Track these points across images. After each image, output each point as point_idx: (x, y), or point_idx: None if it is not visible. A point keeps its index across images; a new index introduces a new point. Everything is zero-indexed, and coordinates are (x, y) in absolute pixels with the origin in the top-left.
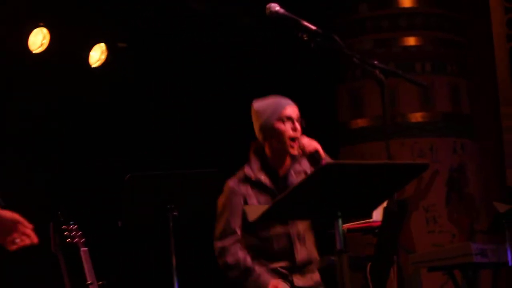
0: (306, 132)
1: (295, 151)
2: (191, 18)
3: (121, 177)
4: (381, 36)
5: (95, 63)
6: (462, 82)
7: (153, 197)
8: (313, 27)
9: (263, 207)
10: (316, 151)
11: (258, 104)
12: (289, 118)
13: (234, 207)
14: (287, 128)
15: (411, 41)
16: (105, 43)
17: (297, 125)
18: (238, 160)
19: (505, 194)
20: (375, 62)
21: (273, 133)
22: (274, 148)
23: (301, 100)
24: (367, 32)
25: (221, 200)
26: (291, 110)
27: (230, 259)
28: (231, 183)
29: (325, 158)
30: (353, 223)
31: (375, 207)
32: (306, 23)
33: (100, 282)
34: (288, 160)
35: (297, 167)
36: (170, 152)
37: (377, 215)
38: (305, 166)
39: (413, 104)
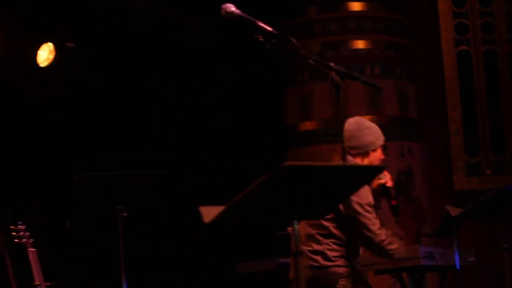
0: (254, 135)
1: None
2: (138, 18)
3: (70, 178)
4: (330, 39)
5: (43, 62)
6: (410, 86)
7: (103, 197)
8: (269, 28)
9: (219, 209)
10: (390, 188)
11: (369, 124)
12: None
13: None
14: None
15: (360, 44)
16: (53, 43)
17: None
18: (186, 161)
19: (452, 197)
20: (331, 64)
21: (374, 154)
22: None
23: (249, 103)
24: (316, 35)
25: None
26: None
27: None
28: None
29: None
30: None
31: (330, 209)
32: (262, 24)
33: (48, 283)
34: None
35: None
36: (120, 152)
37: None
38: None
39: (361, 107)
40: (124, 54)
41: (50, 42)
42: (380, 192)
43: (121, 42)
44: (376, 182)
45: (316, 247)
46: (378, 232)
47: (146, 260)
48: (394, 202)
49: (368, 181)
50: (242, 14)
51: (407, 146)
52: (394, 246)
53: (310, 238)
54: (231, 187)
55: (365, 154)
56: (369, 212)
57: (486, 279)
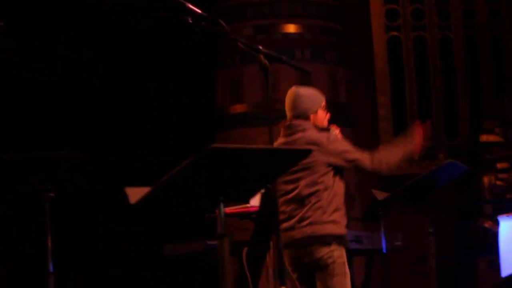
0: (184, 118)
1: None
2: None
3: None
4: (262, 22)
5: None
6: (340, 71)
7: (29, 178)
8: (198, 11)
9: (144, 190)
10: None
11: (303, 92)
12: (326, 108)
13: None
14: (325, 115)
15: (291, 28)
16: None
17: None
18: (114, 143)
19: (381, 182)
20: (260, 47)
21: (316, 116)
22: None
23: (180, 85)
24: (248, 18)
25: (339, 140)
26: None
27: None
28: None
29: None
30: (230, 207)
31: (257, 191)
32: (191, 6)
33: None
34: None
35: None
36: (45, 134)
37: (255, 200)
38: None
39: None
40: (54, 31)
41: None
42: None
43: (52, 20)
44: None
45: None
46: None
47: (73, 243)
48: None
49: (295, 163)
50: None
51: None
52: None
53: None
54: (160, 169)
55: (307, 119)
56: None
57: (413, 263)
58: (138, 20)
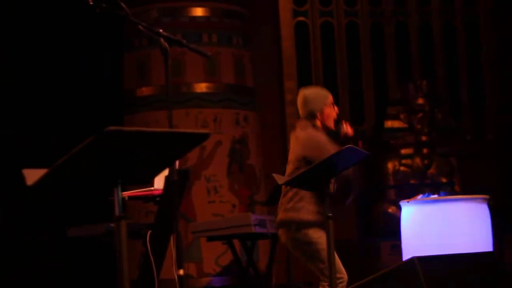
0: (91, 100)
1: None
2: None
3: None
4: (168, 5)
5: None
6: (247, 55)
7: None
8: None
9: (42, 171)
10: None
11: (308, 93)
12: (332, 104)
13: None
14: (332, 110)
15: (198, 11)
16: None
17: (336, 109)
18: (15, 122)
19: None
20: (160, 30)
21: (322, 114)
22: (322, 123)
23: (86, 67)
24: (154, 1)
25: (321, 136)
26: (331, 98)
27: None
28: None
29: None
30: (134, 190)
31: (155, 174)
32: None
33: None
34: None
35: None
36: None
37: (159, 183)
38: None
39: (198, 74)
40: None
41: None
42: (347, 141)
43: None
44: (345, 134)
45: None
46: None
47: None
48: (360, 144)
49: (194, 146)
50: None
51: (243, 115)
52: None
53: None
54: (64, 152)
55: (315, 117)
56: None
57: None
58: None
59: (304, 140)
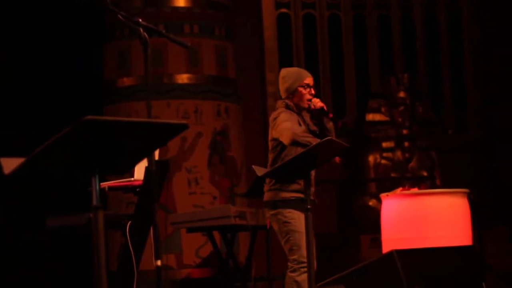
0: (70, 89)
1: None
2: None
3: None
4: None
5: None
6: (229, 46)
7: None
8: None
9: (19, 160)
10: (322, 107)
11: (285, 73)
12: (308, 85)
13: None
14: (306, 92)
15: (180, 2)
16: None
17: (313, 91)
18: None
19: (268, 158)
20: (139, 20)
21: (295, 94)
22: (295, 103)
23: (66, 57)
24: None
25: (283, 116)
26: (310, 79)
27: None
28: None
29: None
30: (114, 181)
31: (133, 164)
32: None
33: None
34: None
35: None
36: None
37: (139, 174)
38: (306, 117)
39: (180, 65)
40: None
41: None
42: (319, 114)
43: None
44: (314, 106)
45: None
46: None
47: None
48: (331, 115)
49: (172, 137)
50: None
51: (224, 106)
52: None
53: None
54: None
55: (289, 97)
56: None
57: None
58: None
59: (271, 121)
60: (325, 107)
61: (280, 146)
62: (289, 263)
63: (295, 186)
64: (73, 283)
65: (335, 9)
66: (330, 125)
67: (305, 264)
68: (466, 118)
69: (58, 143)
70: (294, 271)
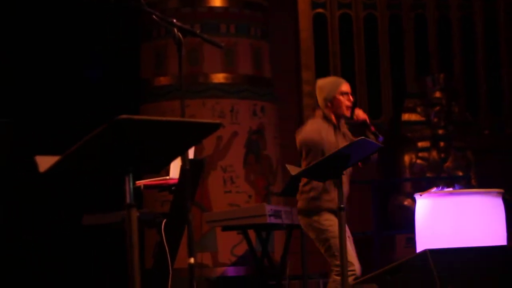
0: (109, 88)
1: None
2: None
3: None
4: None
5: None
6: (265, 46)
7: None
8: None
9: (54, 158)
10: (365, 120)
11: (321, 83)
12: (345, 93)
13: None
14: (344, 99)
15: (216, 2)
16: None
17: (351, 98)
18: (36, 110)
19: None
20: (174, 20)
21: (333, 102)
22: (334, 112)
23: (105, 56)
24: None
25: (305, 129)
26: (346, 87)
27: None
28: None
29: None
30: (150, 179)
31: (166, 163)
32: None
33: None
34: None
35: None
36: None
37: (174, 172)
38: (344, 127)
39: (216, 65)
40: None
41: None
42: (361, 126)
43: None
44: (357, 118)
45: None
46: None
47: None
48: (373, 129)
49: (205, 136)
50: None
51: (260, 106)
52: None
53: None
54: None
55: (327, 106)
56: None
57: None
58: None
59: (298, 132)
60: (367, 120)
61: (305, 155)
62: (333, 267)
63: (327, 197)
64: (109, 281)
65: (372, 9)
66: (371, 138)
67: (352, 267)
68: (502, 118)
69: (92, 142)
70: (340, 275)
